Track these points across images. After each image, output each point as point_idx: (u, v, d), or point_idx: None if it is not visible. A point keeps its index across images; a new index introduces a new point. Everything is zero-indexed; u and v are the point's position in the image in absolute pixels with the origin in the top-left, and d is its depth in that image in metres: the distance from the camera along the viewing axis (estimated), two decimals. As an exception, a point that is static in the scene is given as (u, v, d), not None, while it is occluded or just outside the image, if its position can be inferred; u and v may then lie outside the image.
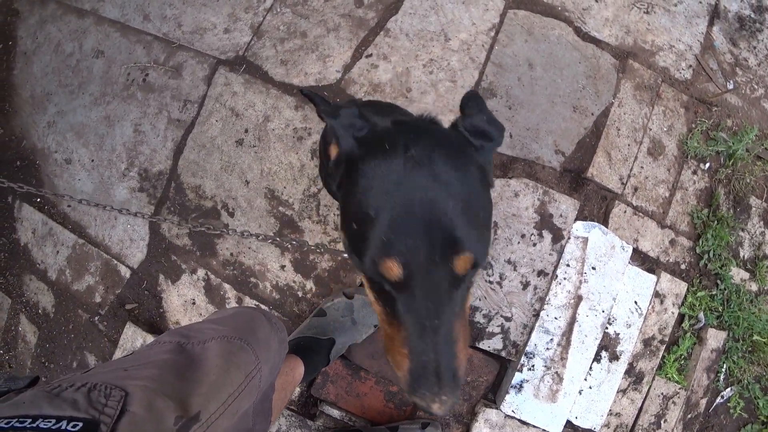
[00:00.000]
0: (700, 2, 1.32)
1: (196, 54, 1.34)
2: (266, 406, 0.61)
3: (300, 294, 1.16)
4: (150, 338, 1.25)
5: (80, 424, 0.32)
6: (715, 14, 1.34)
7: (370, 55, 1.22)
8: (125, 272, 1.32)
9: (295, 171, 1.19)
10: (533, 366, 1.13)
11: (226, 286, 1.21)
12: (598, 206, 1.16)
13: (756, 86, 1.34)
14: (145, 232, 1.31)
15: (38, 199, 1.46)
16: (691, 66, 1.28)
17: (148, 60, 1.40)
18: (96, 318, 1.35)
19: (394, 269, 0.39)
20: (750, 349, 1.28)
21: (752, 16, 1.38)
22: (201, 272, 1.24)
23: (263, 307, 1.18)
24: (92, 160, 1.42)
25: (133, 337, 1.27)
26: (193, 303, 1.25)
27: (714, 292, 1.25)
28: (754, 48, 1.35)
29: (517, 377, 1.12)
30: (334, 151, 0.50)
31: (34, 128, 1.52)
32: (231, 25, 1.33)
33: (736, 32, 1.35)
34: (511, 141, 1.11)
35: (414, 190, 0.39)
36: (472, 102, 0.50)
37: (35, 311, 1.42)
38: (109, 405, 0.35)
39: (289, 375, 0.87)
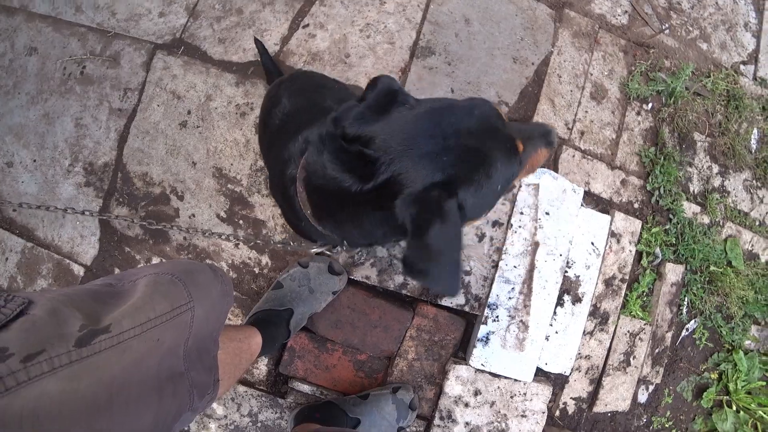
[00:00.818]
0: (629, -51, 1.35)
1: (133, 41, 1.30)
2: (207, 360, 0.57)
3: (257, 270, 1.14)
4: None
5: None
6: (644, -40, 1.37)
7: (307, 25, 1.21)
8: (78, 270, 1.27)
9: (241, 147, 1.16)
10: (497, 317, 1.14)
11: (184, 271, 1.18)
12: (546, 153, 1.18)
13: (691, 28, 1.38)
14: (95, 227, 1.27)
15: (-17, 208, 1.40)
16: (626, 12, 1.31)
17: (84, 52, 1.36)
18: (55, 324, 1.30)
19: None
20: (708, 279, 1.32)
21: (680, -40, 1.42)
22: (156, 260, 1.20)
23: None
24: (34, 161, 1.36)
25: (96, 338, 1.23)
26: (153, 294, 1.22)
27: (668, 227, 1.28)
28: (685, -9, 1.40)
29: (483, 330, 1.13)
30: None
31: (-29, 136, 1.46)
32: (165, 9, 1.30)
33: (667, -23, 1.39)
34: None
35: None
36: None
37: (-12, 323, 1.35)
38: (7, 307, 0.33)
39: (243, 342, 0.85)
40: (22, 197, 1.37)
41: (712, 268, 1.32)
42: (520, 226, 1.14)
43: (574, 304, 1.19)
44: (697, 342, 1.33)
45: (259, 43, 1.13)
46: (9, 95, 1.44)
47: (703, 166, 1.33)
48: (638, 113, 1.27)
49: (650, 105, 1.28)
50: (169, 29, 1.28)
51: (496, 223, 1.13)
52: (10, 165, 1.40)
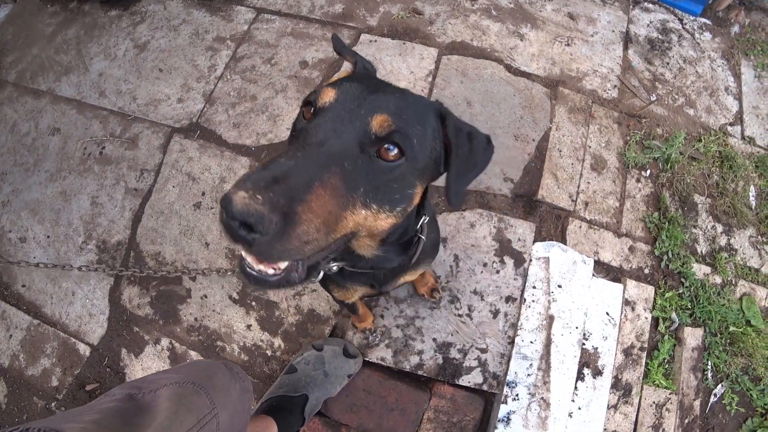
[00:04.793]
0: (613, 31, 1.48)
1: (152, 124, 1.38)
2: None
3: (269, 353, 1.11)
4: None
5: None
6: (627, 39, 1.49)
7: (319, 107, 1.29)
8: (84, 350, 1.24)
9: (254, 227, 1.19)
10: (517, 395, 1.10)
11: (192, 353, 1.16)
12: (554, 226, 1.20)
13: (676, 96, 1.47)
14: (104, 306, 1.26)
15: (-9, 284, 1.40)
16: (616, 86, 1.40)
17: (105, 133, 1.43)
18: (53, 404, 1.24)
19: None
20: (729, 341, 1.29)
21: (660, 37, 1.55)
22: (165, 341, 1.18)
23: (233, 372, 1.12)
24: (48, 237, 1.38)
25: (97, 424, 1.18)
26: (160, 377, 1.18)
27: (681, 291, 1.27)
28: (668, 64, 1.50)
29: (503, 410, 1.08)
30: None
31: (-13, 210, 1.49)
32: (184, 95, 1.39)
33: (649, 52, 1.51)
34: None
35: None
36: None
37: (-15, 408, 1.30)
38: None
39: None
40: (33, 272, 1.38)
41: (731, 328, 1.29)
42: (533, 301, 1.14)
43: (594, 377, 1.15)
44: (728, 408, 1.27)
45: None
46: (29, 172, 1.50)
47: (707, 227, 1.35)
48: (638, 180, 1.31)
49: (648, 172, 1.33)
50: (187, 114, 1.36)
51: (509, 299, 1.13)
52: (24, 240, 1.42)
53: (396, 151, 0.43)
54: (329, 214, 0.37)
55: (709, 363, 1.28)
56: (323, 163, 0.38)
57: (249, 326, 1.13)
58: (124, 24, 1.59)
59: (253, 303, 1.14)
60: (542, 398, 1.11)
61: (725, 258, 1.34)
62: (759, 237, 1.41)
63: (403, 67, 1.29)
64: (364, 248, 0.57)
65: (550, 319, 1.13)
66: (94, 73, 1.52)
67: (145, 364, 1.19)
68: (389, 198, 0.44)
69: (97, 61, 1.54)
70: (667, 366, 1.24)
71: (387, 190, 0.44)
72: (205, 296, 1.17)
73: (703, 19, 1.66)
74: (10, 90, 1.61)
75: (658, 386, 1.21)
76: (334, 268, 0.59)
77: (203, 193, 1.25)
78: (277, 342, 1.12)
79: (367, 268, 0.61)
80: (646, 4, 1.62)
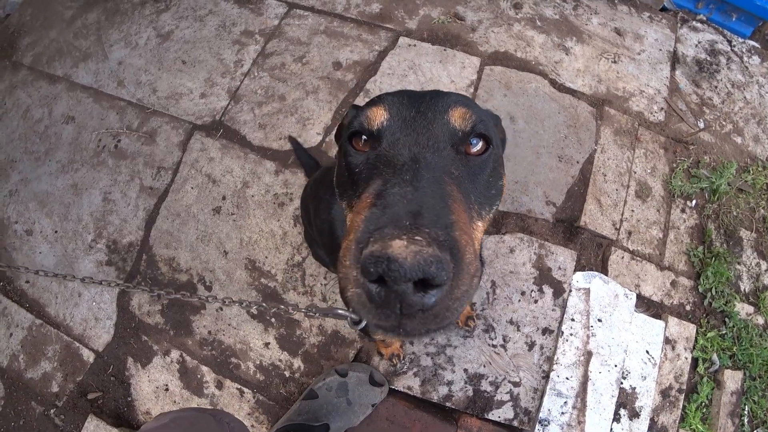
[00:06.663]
0: (660, 50, 1.40)
1: (171, 119, 1.30)
2: None
3: (287, 374, 1.04)
4: (115, 432, 1.09)
5: None
6: (675, 59, 1.42)
7: (351, 113, 1.22)
8: (88, 356, 1.17)
9: (277, 239, 1.12)
10: (550, 436, 1.02)
11: (204, 368, 1.08)
12: (594, 254, 1.13)
13: (724, 122, 1.40)
14: (112, 310, 1.19)
15: (-7, 277, 1.33)
16: (662, 108, 1.33)
17: (121, 126, 1.35)
18: (52, 411, 1.17)
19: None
20: (768, 387, 1.22)
21: (708, 59, 1.47)
22: (175, 353, 1.11)
23: (246, 390, 1.05)
24: (56, 231, 1.31)
25: (96, 433, 1.11)
26: (166, 389, 1.11)
27: (723, 331, 1.20)
28: (716, 87, 1.43)
29: (534, 450, 1.01)
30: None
31: (-7, 198, 1.42)
32: (207, 90, 1.31)
33: (697, 74, 1.43)
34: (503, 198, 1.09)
35: None
36: None
37: (-21, 409, 1.23)
38: None
39: None
40: (38, 269, 1.31)
41: (771, 374, 1.22)
42: (571, 334, 1.07)
43: (631, 419, 1.08)
44: (762, 458, 1.20)
45: (293, 140, 1.13)
46: (39, 161, 1.42)
47: (751, 264, 1.28)
48: (683, 211, 1.24)
49: (694, 202, 1.26)
50: (209, 111, 1.28)
51: (546, 331, 1.06)
52: (30, 233, 1.35)
53: (481, 143, 0.40)
54: (470, 233, 0.31)
55: (747, 408, 1.20)
56: (436, 178, 0.32)
57: (267, 344, 1.06)
58: (148, 11, 1.51)
59: (273, 320, 1.07)
60: (575, 439, 1.04)
61: (768, 297, 1.27)
62: (802, 276, 1.34)
63: (443, 75, 1.22)
64: None
65: (588, 354, 1.06)
66: (114, 61, 1.44)
67: (153, 375, 1.12)
68: (488, 194, 0.40)
69: (117, 48, 1.46)
70: (704, 410, 1.17)
71: (486, 187, 0.40)
72: (221, 309, 1.10)
73: (752, 42, 1.58)
74: (25, 73, 1.54)
75: (694, 431, 1.14)
76: None
77: (224, 198, 1.18)
78: (297, 363, 1.04)
79: None
80: (694, 23, 1.54)
